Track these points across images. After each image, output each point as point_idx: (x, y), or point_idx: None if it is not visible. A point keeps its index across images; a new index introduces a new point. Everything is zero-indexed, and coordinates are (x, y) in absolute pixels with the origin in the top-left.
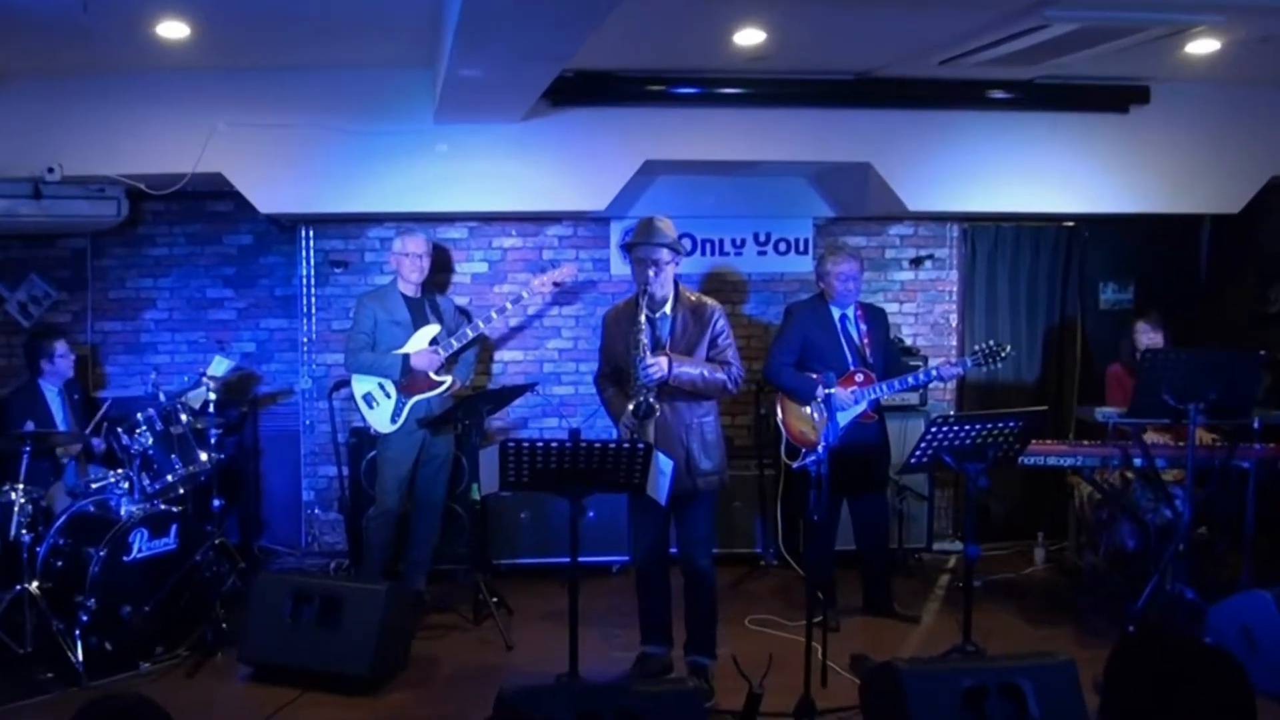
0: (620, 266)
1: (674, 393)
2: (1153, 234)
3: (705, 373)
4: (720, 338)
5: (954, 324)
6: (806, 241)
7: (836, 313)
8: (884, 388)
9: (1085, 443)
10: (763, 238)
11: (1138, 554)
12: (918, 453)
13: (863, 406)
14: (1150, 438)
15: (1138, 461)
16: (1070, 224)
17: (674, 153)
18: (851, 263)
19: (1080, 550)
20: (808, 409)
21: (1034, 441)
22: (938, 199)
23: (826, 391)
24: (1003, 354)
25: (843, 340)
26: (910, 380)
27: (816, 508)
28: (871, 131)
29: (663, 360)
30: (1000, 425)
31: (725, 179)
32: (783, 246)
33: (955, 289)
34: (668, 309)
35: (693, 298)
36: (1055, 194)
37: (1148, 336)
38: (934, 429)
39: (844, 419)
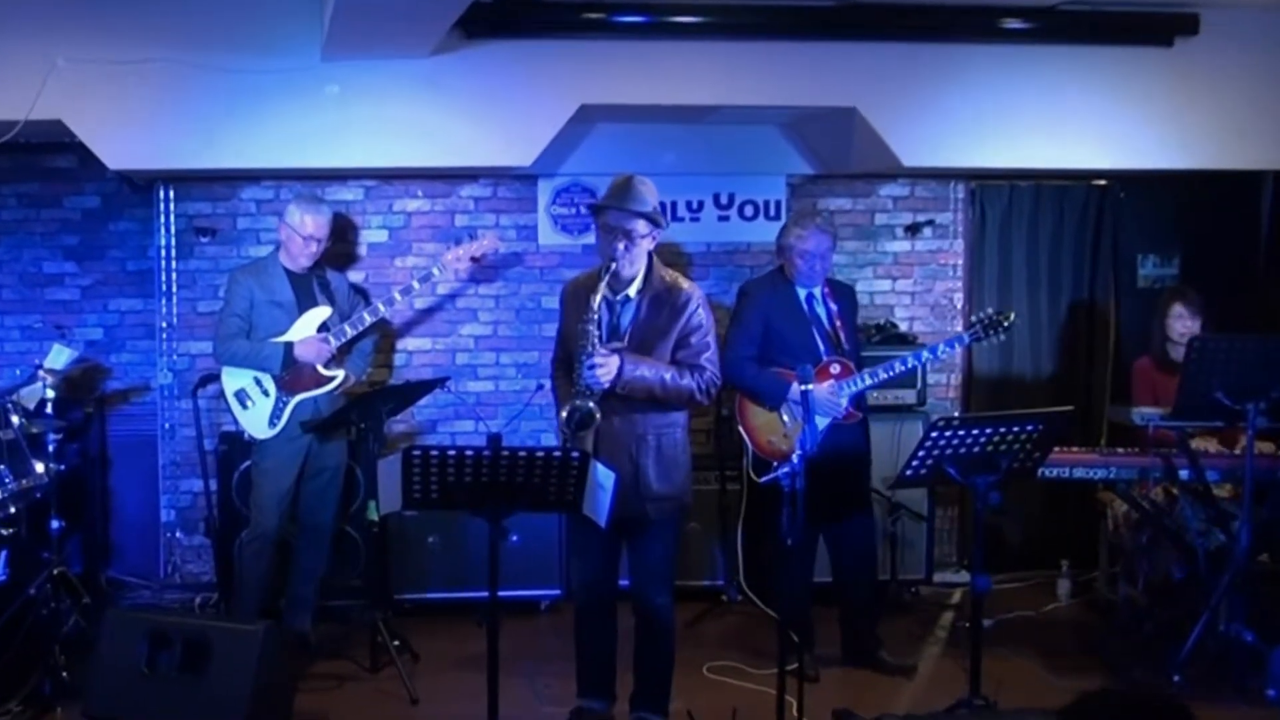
0: (552, 235)
1: (627, 397)
2: (1202, 195)
3: (668, 378)
4: (695, 334)
5: (959, 305)
6: (778, 204)
7: (802, 292)
8: (867, 378)
9: (1120, 451)
10: (725, 200)
11: (1184, 586)
12: (915, 463)
13: (844, 403)
14: (1199, 444)
15: (1184, 474)
16: (1101, 183)
17: (616, 96)
18: (821, 237)
19: (1114, 582)
20: (776, 413)
21: (1057, 449)
22: (939, 152)
23: (803, 388)
24: (1006, 323)
25: (812, 325)
26: (899, 365)
27: (790, 530)
28: (858, 70)
29: (612, 361)
30: (1016, 429)
31: (679, 128)
32: (749, 211)
33: (961, 262)
34: (633, 291)
35: (667, 278)
36: (1083, 146)
37: (1184, 323)
38: (935, 434)
39: (825, 422)
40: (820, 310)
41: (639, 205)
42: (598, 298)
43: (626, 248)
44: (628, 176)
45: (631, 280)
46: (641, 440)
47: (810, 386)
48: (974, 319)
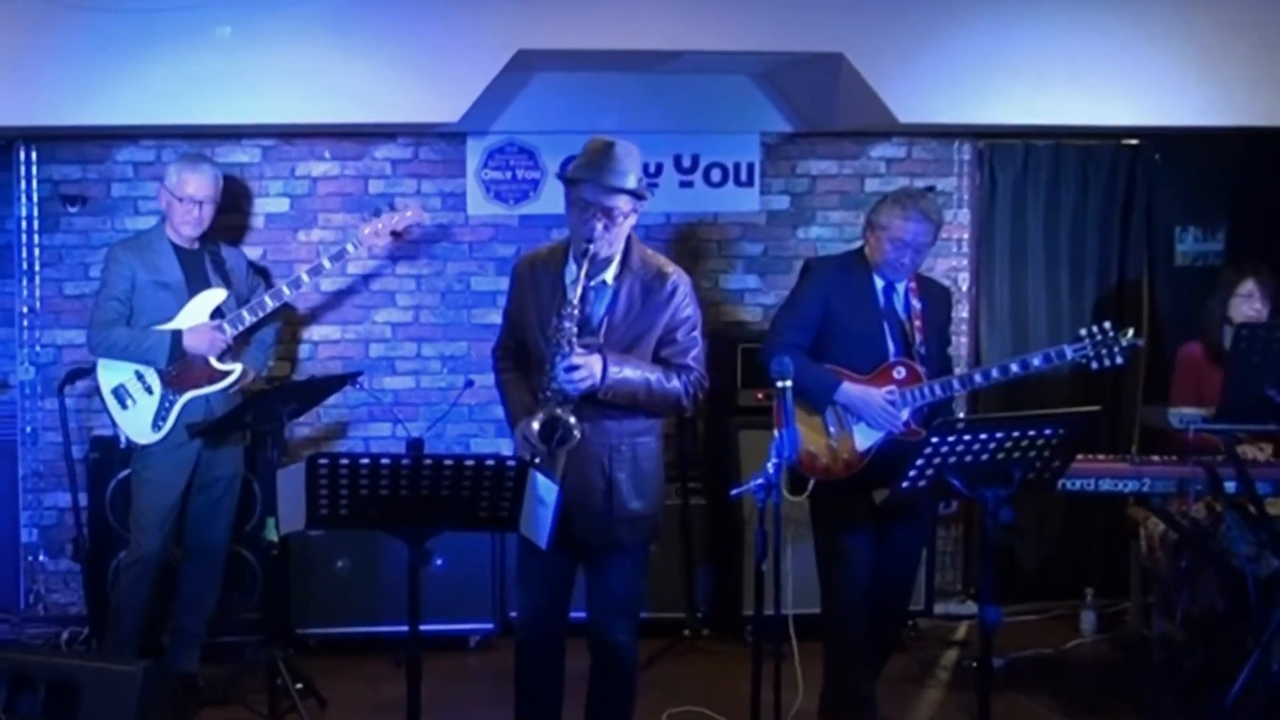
0: (483, 203)
1: (600, 401)
2: (1252, 157)
3: (654, 380)
4: (682, 329)
5: (965, 287)
6: (751, 168)
7: (880, 281)
8: (938, 389)
9: (1155, 459)
10: (688, 163)
11: (1231, 620)
12: (913, 473)
13: (904, 416)
14: (1248, 451)
15: (1230, 486)
16: (1133, 142)
17: (559, 40)
18: (923, 226)
19: (1148, 615)
20: (820, 417)
21: (1080, 457)
22: (940, 106)
23: (783, 385)
24: (1124, 342)
25: (884, 319)
26: (979, 378)
27: (760, 552)
28: (845, 9)
29: (594, 363)
30: (1032, 434)
31: (634, 79)
32: (716, 175)
33: (966, 236)
34: (609, 276)
35: (648, 261)
36: (1111, 99)
37: (1252, 305)
38: (936, 439)
39: (870, 437)
40: (898, 304)
41: (620, 180)
42: (579, 288)
43: (606, 227)
44: (607, 142)
45: (608, 262)
46: (615, 451)
47: (788, 383)
48: (1083, 333)
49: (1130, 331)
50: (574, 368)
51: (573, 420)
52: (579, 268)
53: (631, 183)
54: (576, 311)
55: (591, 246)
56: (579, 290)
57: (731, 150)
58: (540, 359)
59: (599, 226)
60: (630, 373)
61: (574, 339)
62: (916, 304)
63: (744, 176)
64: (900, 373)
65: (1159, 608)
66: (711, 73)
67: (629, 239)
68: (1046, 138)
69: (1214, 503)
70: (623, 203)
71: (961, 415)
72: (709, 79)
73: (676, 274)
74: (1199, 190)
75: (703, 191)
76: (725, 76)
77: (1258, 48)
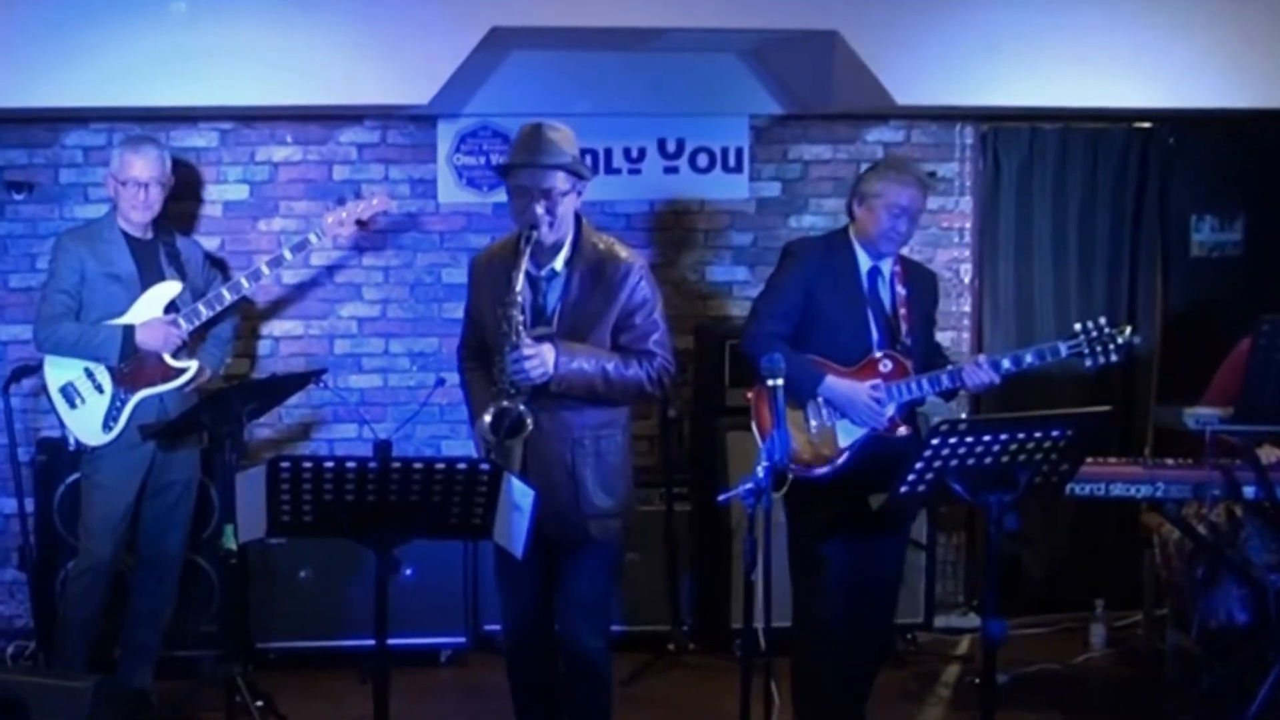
0: (455, 190)
1: (559, 394)
2: (1272, 141)
3: (610, 368)
4: (639, 312)
5: (967, 279)
6: (739, 153)
7: (865, 263)
8: (925, 385)
9: (1169, 462)
10: (672, 147)
11: (1250, 633)
12: (912, 477)
13: (890, 412)
14: (1269, 454)
15: (1250, 491)
16: (1146, 125)
17: (535, 16)
18: (914, 191)
19: (1161, 627)
20: (801, 411)
21: (1090, 460)
22: (941, 87)
23: (774, 383)
24: (1119, 340)
25: (868, 306)
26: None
27: (750, 561)
28: None
29: (546, 352)
30: (1038, 435)
31: (615, 58)
32: (703, 160)
33: (969, 225)
34: (559, 263)
35: (600, 246)
36: (1122, 79)
37: None
38: (936, 440)
39: (853, 434)
40: (883, 290)
41: (554, 156)
42: (520, 275)
43: (548, 209)
44: (534, 124)
45: (558, 249)
46: (578, 445)
47: (779, 382)
48: (1077, 328)
49: (1128, 329)
50: (525, 358)
51: (522, 408)
52: (523, 256)
53: (564, 158)
54: (521, 299)
55: (535, 233)
56: (520, 277)
57: (719, 134)
58: (496, 355)
59: (539, 210)
60: (584, 363)
61: (521, 328)
62: (902, 290)
63: (732, 162)
64: (886, 366)
65: (1173, 620)
66: (697, 51)
67: (580, 225)
68: (1053, 120)
69: (1232, 507)
70: (559, 181)
71: (963, 416)
72: (695, 58)
73: (629, 257)
74: (1216, 176)
75: (688, 177)
76: (712, 55)
77: (1278, 25)
